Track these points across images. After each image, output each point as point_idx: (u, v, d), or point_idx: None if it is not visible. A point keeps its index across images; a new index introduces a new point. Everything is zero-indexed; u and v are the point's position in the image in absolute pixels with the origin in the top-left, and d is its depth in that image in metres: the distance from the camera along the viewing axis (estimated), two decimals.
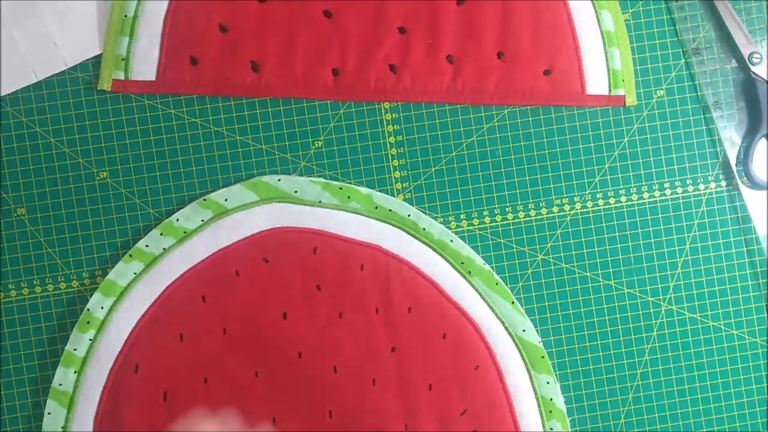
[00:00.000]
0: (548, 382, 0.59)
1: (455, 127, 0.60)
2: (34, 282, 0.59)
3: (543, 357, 0.59)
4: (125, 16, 0.59)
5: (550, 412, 0.59)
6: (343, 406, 0.58)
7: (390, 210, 0.59)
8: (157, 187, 0.60)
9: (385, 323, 0.58)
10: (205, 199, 0.59)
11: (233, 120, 0.60)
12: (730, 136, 0.61)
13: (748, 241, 0.61)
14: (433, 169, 0.60)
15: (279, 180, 0.59)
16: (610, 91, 0.60)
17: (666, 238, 0.61)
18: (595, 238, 0.61)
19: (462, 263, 0.59)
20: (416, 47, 0.59)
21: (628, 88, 0.60)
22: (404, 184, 0.60)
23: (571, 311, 0.60)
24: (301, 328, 0.58)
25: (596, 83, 0.60)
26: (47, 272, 0.59)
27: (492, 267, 0.60)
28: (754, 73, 0.60)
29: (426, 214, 0.60)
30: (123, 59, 0.59)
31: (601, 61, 0.60)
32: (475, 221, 0.60)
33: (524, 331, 0.59)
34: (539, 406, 0.59)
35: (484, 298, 0.59)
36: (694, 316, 0.61)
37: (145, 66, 0.59)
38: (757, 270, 0.61)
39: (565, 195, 0.61)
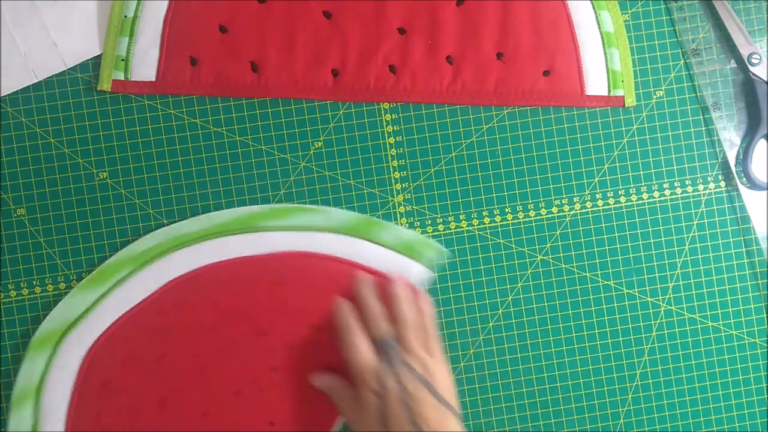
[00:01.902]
0: None
1: (455, 128, 0.60)
2: (34, 282, 0.59)
3: None
4: (125, 16, 0.59)
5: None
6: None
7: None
8: (156, 187, 0.60)
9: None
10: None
11: (233, 120, 0.60)
12: (730, 137, 0.61)
13: (747, 241, 0.61)
14: (433, 170, 0.60)
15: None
16: (609, 91, 0.60)
17: (665, 239, 0.61)
18: (594, 238, 0.61)
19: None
20: (416, 48, 0.59)
21: (627, 88, 0.60)
22: (404, 185, 0.60)
23: (570, 311, 0.60)
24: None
25: (595, 84, 0.60)
26: (47, 272, 0.59)
27: (492, 267, 0.60)
28: (753, 74, 0.60)
29: (426, 214, 0.60)
30: (123, 60, 0.59)
31: (601, 61, 0.60)
32: (475, 221, 0.60)
33: None
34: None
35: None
36: (694, 316, 0.61)
37: (145, 66, 0.59)
38: (756, 270, 0.61)
39: (564, 195, 0.61)
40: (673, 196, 0.61)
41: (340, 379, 0.55)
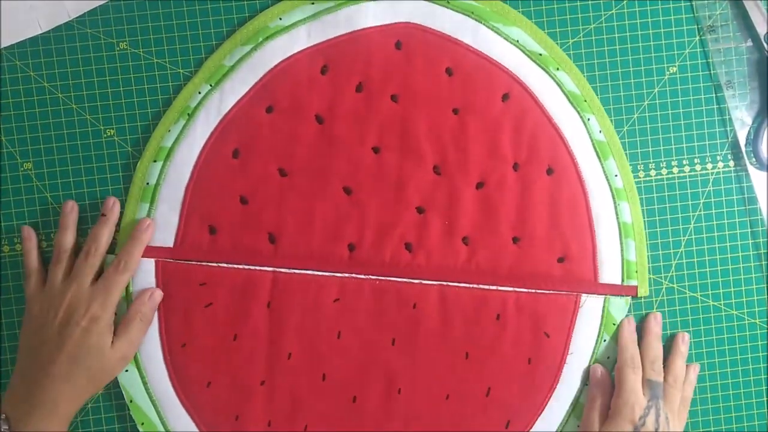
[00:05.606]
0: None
1: None
2: (39, 236, 0.59)
3: None
4: (147, 183, 0.58)
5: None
6: None
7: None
8: None
9: None
10: None
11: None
12: (741, 116, 0.61)
13: (753, 222, 0.61)
14: None
15: None
16: (622, 280, 0.59)
17: (671, 216, 0.61)
18: None
19: None
20: (433, 227, 0.59)
21: (641, 278, 0.59)
22: None
23: None
24: None
25: (609, 273, 0.59)
26: (52, 227, 0.59)
27: None
28: None
29: None
30: None
31: (616, 251, 0.59)
32: None
33: None
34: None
35: None
36: (695, 294, 0.61)
37: (164, 233, 0.59)
38: (760, 252, 0.61)
39: None
40: (681, 174, 0.61)
41: (609, 383, 0.59)
